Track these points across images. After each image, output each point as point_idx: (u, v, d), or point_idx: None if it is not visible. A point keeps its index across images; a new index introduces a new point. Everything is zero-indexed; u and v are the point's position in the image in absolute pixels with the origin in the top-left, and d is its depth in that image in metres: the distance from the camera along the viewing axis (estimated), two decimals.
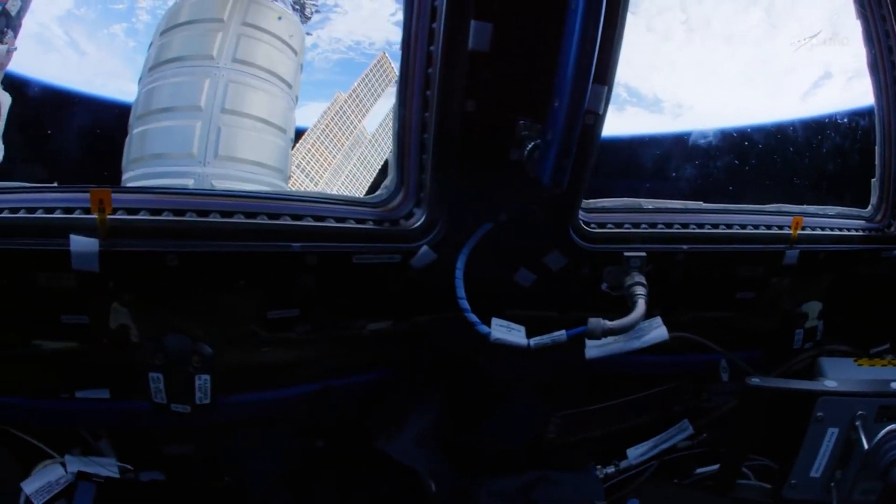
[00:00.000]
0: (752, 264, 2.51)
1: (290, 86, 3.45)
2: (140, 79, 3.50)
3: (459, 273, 1.92)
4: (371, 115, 6.89)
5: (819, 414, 2.07)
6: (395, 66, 7.11)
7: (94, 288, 1.84)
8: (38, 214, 1.76)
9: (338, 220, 1.90)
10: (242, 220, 1.80)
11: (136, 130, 3.34)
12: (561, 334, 1.93)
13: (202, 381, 1.91)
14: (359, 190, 6.74)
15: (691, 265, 2.32)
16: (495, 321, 1.94)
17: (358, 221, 1.93)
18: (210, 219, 1.78)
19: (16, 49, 3.33)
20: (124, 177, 3.30)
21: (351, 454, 2.19)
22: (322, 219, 1.88)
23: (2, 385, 2.05)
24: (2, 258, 1.77)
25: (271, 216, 1.82)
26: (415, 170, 1.93)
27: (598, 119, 1.81)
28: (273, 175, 3.26)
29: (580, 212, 2.09)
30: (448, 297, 2.02)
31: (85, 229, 1.71)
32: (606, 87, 1.75)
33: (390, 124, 7.05)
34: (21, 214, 1.75)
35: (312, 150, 6.17)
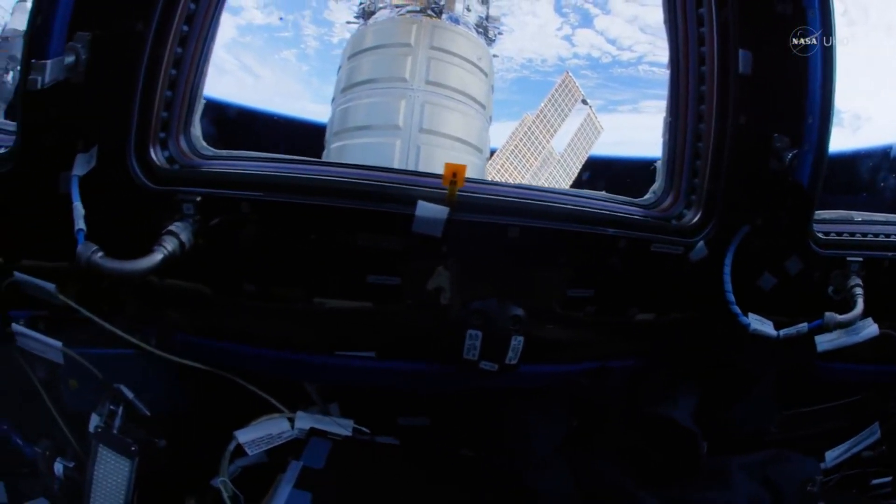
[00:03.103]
0: None
1: (483, 106, 3.71)
2: (333, 99, 3.90)
3: (727, 269, 2.18)
4: (559, 136, 6.96)
5: None
6: (579, 84, 7.28)
7: (423, 252, 2.04)
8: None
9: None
10: None
11: (333, 145, 3.69)
12: (803, 326, 2.20)
13: (517, 342, 2.11)
14: None
15: (893, 274, 2.56)
16: (751, 315, 2.20)
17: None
18: None
19: None
20: None
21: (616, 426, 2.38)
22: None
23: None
24: (330, 216, 1.96)
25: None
26: (687, 174, 2.23)
27: None
28: None
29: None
30: (702, 297, 2.27)
31: (427, 198, 1.95)
32: None
33: (579, 144, 7.17)
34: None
35: (502, 171, 6.48)
